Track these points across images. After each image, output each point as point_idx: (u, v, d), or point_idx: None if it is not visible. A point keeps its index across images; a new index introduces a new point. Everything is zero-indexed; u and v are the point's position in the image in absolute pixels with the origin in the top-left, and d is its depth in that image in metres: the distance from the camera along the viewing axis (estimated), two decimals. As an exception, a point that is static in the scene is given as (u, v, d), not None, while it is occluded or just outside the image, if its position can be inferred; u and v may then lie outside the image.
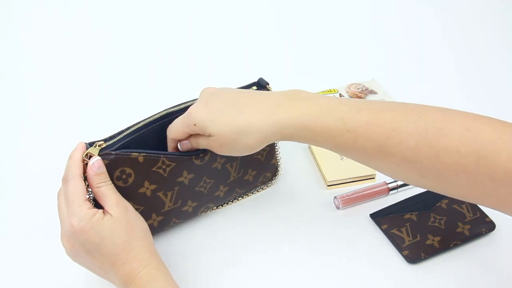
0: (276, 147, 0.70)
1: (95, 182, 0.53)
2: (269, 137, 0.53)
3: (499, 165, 0.43)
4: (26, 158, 0.79)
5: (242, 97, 0.55)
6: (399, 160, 0.48)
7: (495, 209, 0.47)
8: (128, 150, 0.55)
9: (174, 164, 0.58)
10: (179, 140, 0.59)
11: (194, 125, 0.54)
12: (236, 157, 0.64)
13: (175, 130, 0.58)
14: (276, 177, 0.72)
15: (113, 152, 0.54)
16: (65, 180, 0.53)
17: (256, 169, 0.68)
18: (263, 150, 0.67)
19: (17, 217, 0.69)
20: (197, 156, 0.60)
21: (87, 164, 0.53)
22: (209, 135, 0.54)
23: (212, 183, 0.64)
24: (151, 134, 0.59)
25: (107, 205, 0.53)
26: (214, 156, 0.61)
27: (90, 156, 0.53)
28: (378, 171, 0.52)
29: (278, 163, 0.71)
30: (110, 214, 0.52)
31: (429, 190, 0.50)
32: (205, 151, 0.60)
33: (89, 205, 0.52)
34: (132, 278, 0.50)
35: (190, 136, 0.57)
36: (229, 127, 0.52)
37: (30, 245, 0.65)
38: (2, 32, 0.99)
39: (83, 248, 0.52)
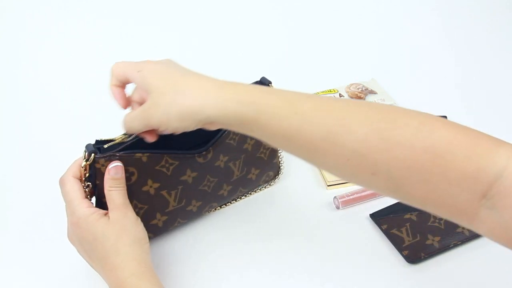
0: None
1: (107, 184, 0.53)
2: (209, 115, 0.47)
3: (455, 166, 0.40)
4: (27, 158, 0.79)
5: (195, 72, 0.50)
6: (348, 153, 0.43)
7: (460, 223, 0.44)
8: (132, 151, 0.55)
9: (177, 163, 0.58)
10: (118, 83, 0.54)
11: (139, 71, 0.50)
12: (239, 156, 0.64)
13: (120, 68, 0.53)
14: (279, 176, 0.72)
15: (117, 154, 0.54)
16: (61, 182, 0.54)
17: (259, 168, 0.68)
18: (265, 148, 0.67)
19: (17, 217, 0.69)
20: (200, 154, 0.60)
21: (88, 167, 0.54)
22: (146, 92, 0.49)
23: (216, 181, 0.64)
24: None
25: (110, 207, 0.53)
26: (217, 154, 0.62)
27: (103, 158, 0.54)
28: (326, 169, 0.48)
29: (281, 162, 0.71)
30: (108, 216, 0.53)
31: (382, 194, 0.46)
32: (207, 149, 0.60)
33: (87, 203, 0.53)
34: (118, 286, 0.50)
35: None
36: (171, 89, 0.47)
37: (33, 244, 0.65)
38: (2, 30, 0.99)
39: (81, 247, 0.54)
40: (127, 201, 0.55)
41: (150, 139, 0.54)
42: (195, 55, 1.01)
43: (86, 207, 0.52)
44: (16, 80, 0.94)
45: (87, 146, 0.54)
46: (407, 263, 0.61)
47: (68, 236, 0.55)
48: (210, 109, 0.46)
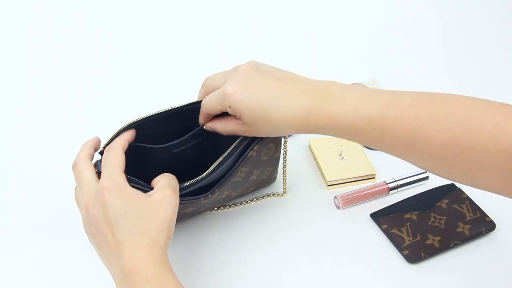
0: (284, 168, 0.68)
1: None
2: (299, 130, 0.54)
3: None
4: (29, 158, 0.79)
5: (279, 85, 0.54)
6: (426, 157, 0.48)
7: None
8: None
9: (181, 206, 0.56)
10: (213, 115, 0.59)
11: (229, 107, 0.54)
12: (243, 185, 0.64)
13: (209, 106, 0.57)
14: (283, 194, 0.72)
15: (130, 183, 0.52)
16: (107, 149, 0.53)
17: (255, 185, 0.68)
18: (268, 171, 0.66)
19: (17, 216, 0.69)
20: (205, 197, 0.58)
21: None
22: (241, 120, 0.54)
23: (213, 205, 0.65)
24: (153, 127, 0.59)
25: (157, 187, 0.52)
26: (221, 192, 0.61)
27: None
28: (408, 162, 0.52)
29: (285, 184, 0.70)
30: (150, 195, 0.51)
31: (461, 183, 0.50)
32: (213, 192, 0.58)
33: (125, 177, 0.51)
34: (135, 269, 0.46)
35: (215, 119, 0.58)
36: (263, 121, 0.53)
37: (37, 243, 0.65)
38: (4, 30, 0.99)
39: (103, 215, 0.49)
40: (176, 186, 0.53)
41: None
42: (195, 56, 1.01)
43: (125, 180, 0.50)
44: (16, 79, 0.94)
45: (98, 162, 0.53)
46: (407, 262, 0.61)
47: (87, 202, 0.50)
48: (298, 128, 0.54)
